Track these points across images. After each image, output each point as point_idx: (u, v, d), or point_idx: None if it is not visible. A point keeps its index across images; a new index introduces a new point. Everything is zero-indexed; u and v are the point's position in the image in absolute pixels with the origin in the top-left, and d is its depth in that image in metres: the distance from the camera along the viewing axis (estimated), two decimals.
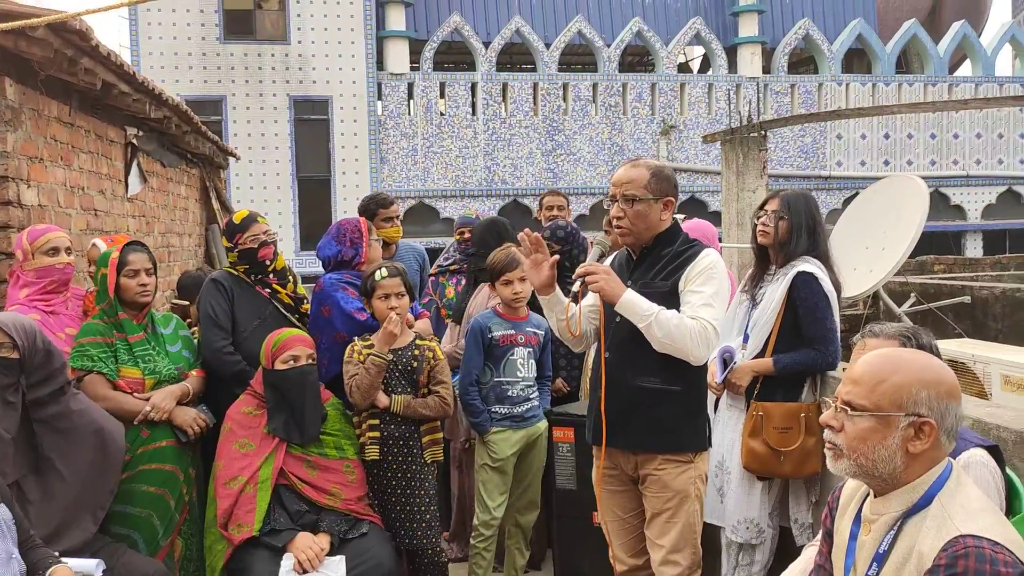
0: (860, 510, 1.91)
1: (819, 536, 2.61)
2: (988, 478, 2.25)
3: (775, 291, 3.63)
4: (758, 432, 3.51)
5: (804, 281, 3.55)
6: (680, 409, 3.00)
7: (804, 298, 3.55)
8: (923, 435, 1.77)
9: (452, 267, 4.94)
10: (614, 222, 3.05)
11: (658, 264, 3.03)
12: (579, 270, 2.93)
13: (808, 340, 3.56)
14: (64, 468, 2.94)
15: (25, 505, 2.82)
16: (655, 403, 2.98)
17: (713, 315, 2.90)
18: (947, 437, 1.79)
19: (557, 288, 3.09)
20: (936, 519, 1.74)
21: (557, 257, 3.06)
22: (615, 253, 3.26)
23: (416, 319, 3.92)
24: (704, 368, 3.10)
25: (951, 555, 1.66)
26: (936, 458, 1.80)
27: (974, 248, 21.24)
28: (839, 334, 3.64)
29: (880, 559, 1.80)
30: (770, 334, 3.63)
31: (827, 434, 1.88)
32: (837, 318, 3.64)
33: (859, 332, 2.54)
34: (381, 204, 4.99)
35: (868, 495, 1.89)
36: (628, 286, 2.95)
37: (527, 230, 3.07)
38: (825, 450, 1.90)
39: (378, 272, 3.57)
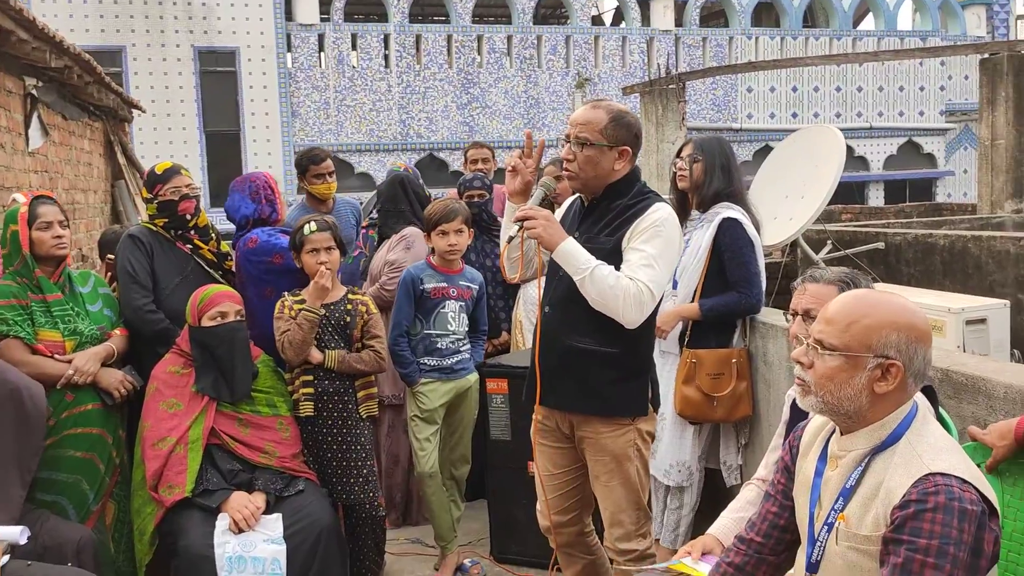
0: (826, 447, 1.94)
1: (758, 473, 2.68)
2: None
3: (701, 237, 3.69)
4: (692, 379, 3.57)
5: (729, 226, 3.62)
6: (615, 373, 2.84)
7: (728, 243, 3.61)
8: (889, 376, 1.79)
9: None
10: (564, 164, 2.87)
11: (605, 218, 2.84)
12: (518, 213, 2.77)
13: (732, 283, 3.63)
14: None
15: None
16: (588, 364, 2.82)
17: (651, 277, 2.71)
18: (914, 379, 1.82)
19: (525, 201, 2.90)
20: (904, 456, 1.78)
21: (532, 163, 2.88)
22: (568, 200, 3.09)
23: None
24: (648, 330, 2.91)
25: (922, 491, 1.70)
26: (902, 399, 1.83)
27: (876, 198, 22.02)
28: (763, 278, 3.71)
29: (847, 494, 1.83)
30: (699, 280, 3.68)
31: (797, 370, 1.89)
32: (762, 263, 3.71)
33: (799, 277, 2.57)
34: (312, 160, 4.82)
35: (834, 432, 1.93)
36: (575, 239, 2.77)
37: (528, 131, 2.89)
38: (795, 385, 1.92)
39: (307, 226, 3.47)
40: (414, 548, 4.35)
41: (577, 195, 3.03)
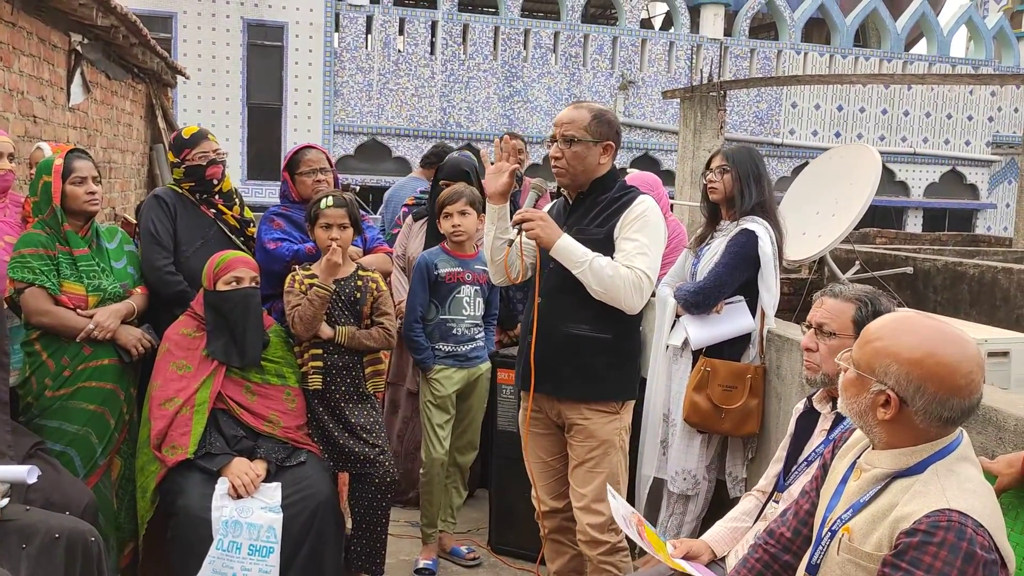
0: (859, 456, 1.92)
1: (759, 485, 2.66)
2: None
3: (720, 245, 3.66)
4: (703, 387, 3.53)
5: (739, 237, 3.57)
6: (610, 358, 3.01)
7: (726, 250, 3.58)
8: (889, 406, 1.75)
9: None
10: (552, 162, 3.03)
11: (594, 210, 3.03)
12: (515, 216, 2.94)
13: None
14: None
15: None
16: (585, 351, 2.99)
17: (647, 264, 2.90)
18: (926, 418, 1.73)
19: (508, 203, 3.10)
20: (927, 486, 1.72)
21: (516, 165, 3.08)
22: (553, 202, 3.24)
23: (369, 252, 3.83)
24: (638, 317, 3.09)
25: (933, 523, 1.64)
26: (926, 433, 1.76)
27: (914, 224, 21.73)
28: (727, 290, 3.58)
29: (858, 507, 1.81)
30: None
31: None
32: (772, 279, 3.62)
33: (819, 291, 2.55)
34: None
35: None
36: (564, 231, 2.95)
37: (507, 136, 3.02)
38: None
39: (324, 200, 3.46)
40: (414, 531, 4.35)
41: (555, 199, 3.20)
